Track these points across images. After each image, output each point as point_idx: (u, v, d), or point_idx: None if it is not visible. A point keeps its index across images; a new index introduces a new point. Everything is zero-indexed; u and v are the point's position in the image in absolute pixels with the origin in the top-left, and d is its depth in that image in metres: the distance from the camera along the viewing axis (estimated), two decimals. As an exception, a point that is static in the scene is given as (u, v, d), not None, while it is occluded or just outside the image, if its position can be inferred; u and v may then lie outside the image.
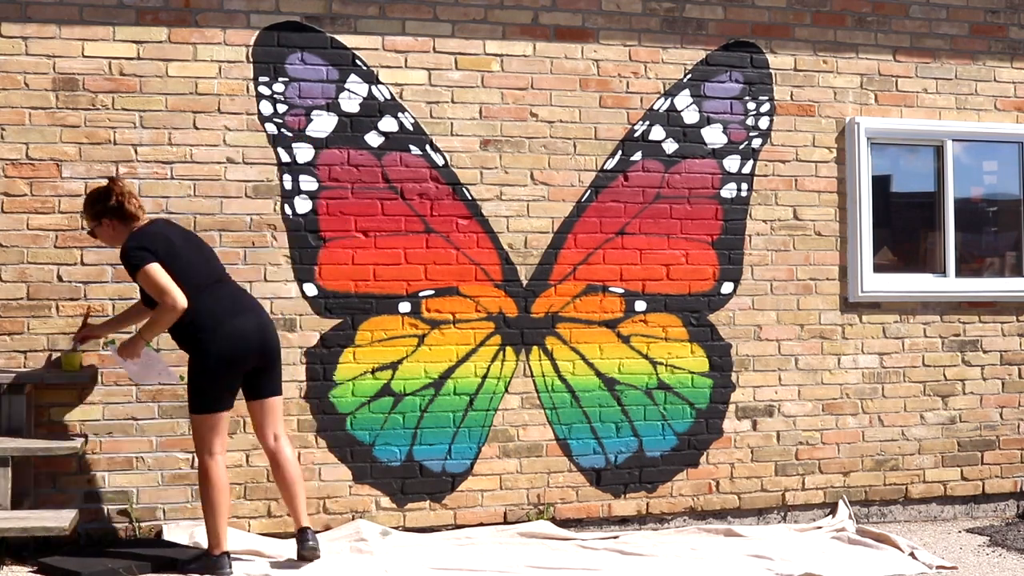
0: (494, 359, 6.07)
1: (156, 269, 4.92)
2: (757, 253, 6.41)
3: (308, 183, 5.84)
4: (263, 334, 5.10)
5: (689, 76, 6.33)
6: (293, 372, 5.80)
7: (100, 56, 5.60)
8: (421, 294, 5.97)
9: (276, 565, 5.25)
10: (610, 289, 6.21)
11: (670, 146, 6.30)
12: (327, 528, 5.80)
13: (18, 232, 5.52)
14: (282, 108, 5.81)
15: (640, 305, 6.25)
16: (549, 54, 6.15)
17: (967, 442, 6.73)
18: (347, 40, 5.88)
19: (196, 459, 5.14)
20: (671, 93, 6.31)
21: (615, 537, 5.94)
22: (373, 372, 5.91)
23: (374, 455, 5.92)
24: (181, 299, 4.90)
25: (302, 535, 5.13)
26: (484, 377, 6.05)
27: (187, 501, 5.66)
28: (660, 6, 6.30)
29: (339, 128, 5.88)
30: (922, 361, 6.67)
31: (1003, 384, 6.81)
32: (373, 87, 5.91)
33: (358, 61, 5.90)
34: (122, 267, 5.59)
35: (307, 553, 5.10)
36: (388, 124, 5.94)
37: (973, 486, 6.73)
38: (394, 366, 5.94)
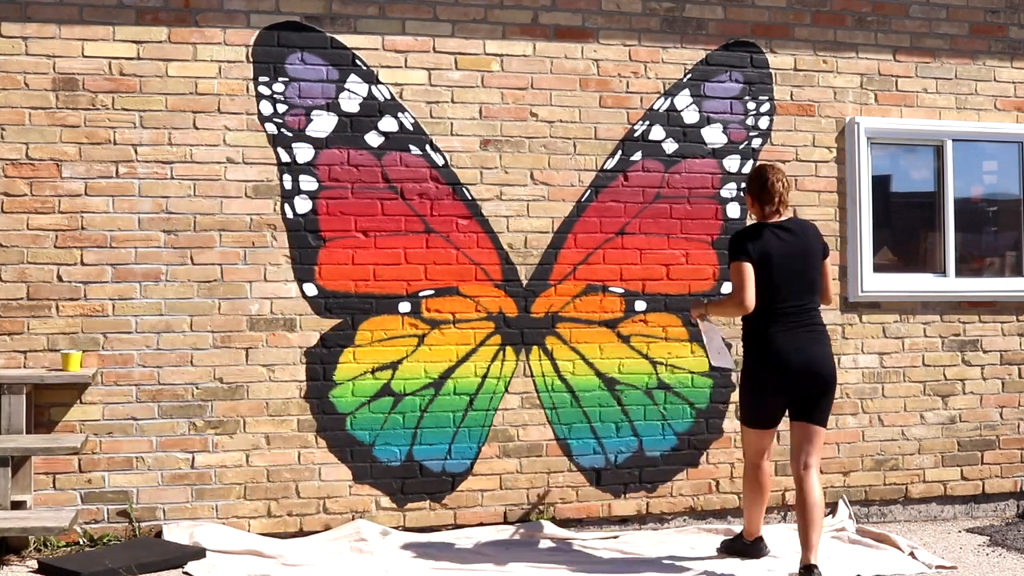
0: (494, 359, 6.07)
1: (744, 268, 5.05)
2: (757, 253, 6.40)
3: (308, 183, 5.84)
4: (811, 368, 5.07)
5: (689, 76, 6.33)
6: (293, 372, 5.80)
7: (100, 56, 5.60)
8: (421, 294, 5.97)
9: (276, 565, 5.25)
10: (610, 289, 6.21)
11: (670, 146, 6.30)
12: (327, 528, 5.80)
13: (18, 232, 5.52)
14: (282, 108, 5.81)
15: (640, 305, 6.25)
16: (549, 54, 6.15)
17: (967, 442, 6.73)
18: (347, 40, 5.88)
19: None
20: (671, 93, 6.31)
21: (615, 537, 5.94)
22: (373, 372, 5.91)
23: (374, 455, 5.92)
24: (748, 300, 5.02)
25: (807, 571, 4.97)
26: (484, 377, 6.05)
27: (187, 501, 5.66)
28: (660, 6, 6.30)
29: (339, 128, 5.88)
30: (922, 361, 6.67)
31: (1003, 384, 6.81)
32: (373, 87, 5.91)
33: (358, 61, 5.90)
34: (122, 267, 5.61)
35: None
36: (388, 124, 5.94)
37: (973, 486, 6.73)
38: (394, 366, 5.94)
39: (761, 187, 5.19)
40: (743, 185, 6.36)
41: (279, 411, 5.79)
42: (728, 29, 6.40)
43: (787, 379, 5.06)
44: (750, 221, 6.35)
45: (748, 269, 5.03)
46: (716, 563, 5.50)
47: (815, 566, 4.96)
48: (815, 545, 5.00)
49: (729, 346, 5.91)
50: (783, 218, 5.22)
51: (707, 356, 5.77)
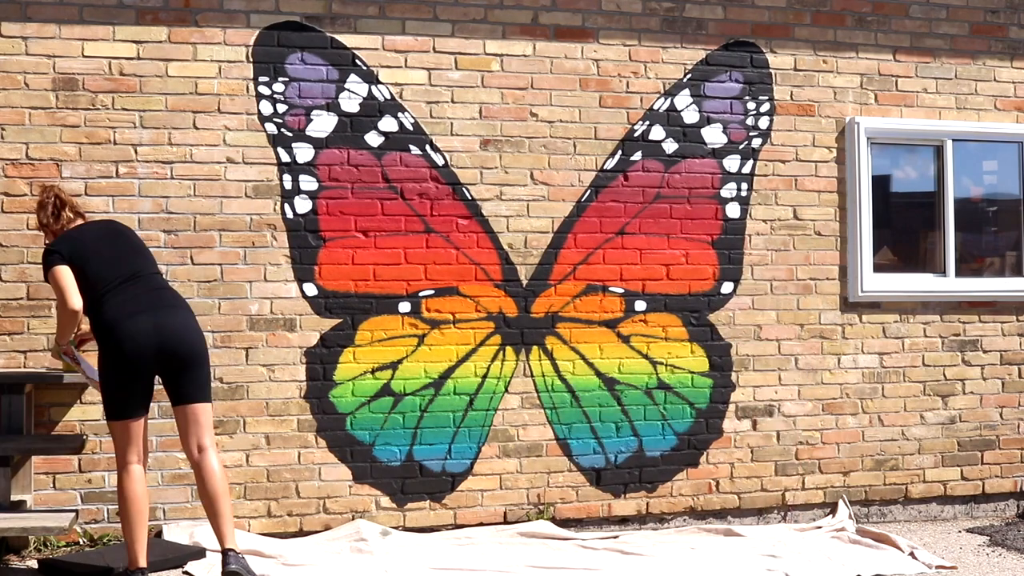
0: (494, 359, 6.07)
1: (58, 272, 4.71)
2: (757, 253, 6.41)
3: (308, 183, 5.84)
4: (161, 336, 4.65)
5: (689, 76, 6.33)
6: (293, 372, 5.80)
7: (100, 56, 5.60)
8: (421, 294, 5.97)
9: (276, 565, 5.25)
10: (610, 289, 6.21)
11: (670, 146, 6.30)
12: (327, 528, 5.80)
13: (18, 232, 5.52)
14: (282, 108, 5.81)
15: (640, 305, 6.25)
16: (549, 54, 6.15)
17: (967, 442, 6.73)
18: (347, 40, 5.88)
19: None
20: (671, 93, 6.31)
21: (615, 537, 5.94)
22: (373, 372, 5.91)
23: (374, 455, 5.92)
24: (72, 301, 4.68)
25: (225, 557, 4.59)
26: (484, 377, 6.05)
27: (187, 501, 5.66)
28: (660, 6, 6.30)
29: (339, 128, 5.88)
30: (922, 361, 6.67)
31: (1003, 384, 6.81)
32: (373, 87, 5.92)
33: (358, 61, 5.90)
34: (122, 267, 5.59)
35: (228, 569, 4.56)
36: (388, 124, 5.94)
37: (973, 486, 6.73)
38: (394, 366, 5.94)
39: (48, 214, 4.94)
40: (744, 184, 6.37)
41: (279, 411, 5.79)
42: (728, 29, 6.40)
43: (135, 357, 4.61)
44: (751, 223, 6.37)
45: (64, 271, 4.70)
46: (716, 563, 5.49)
47: (231, 549, 4.59)
48: (228, 534, 4.65)
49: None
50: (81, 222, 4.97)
51: (88, 381, 5.15)
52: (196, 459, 4.74)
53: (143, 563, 4.66)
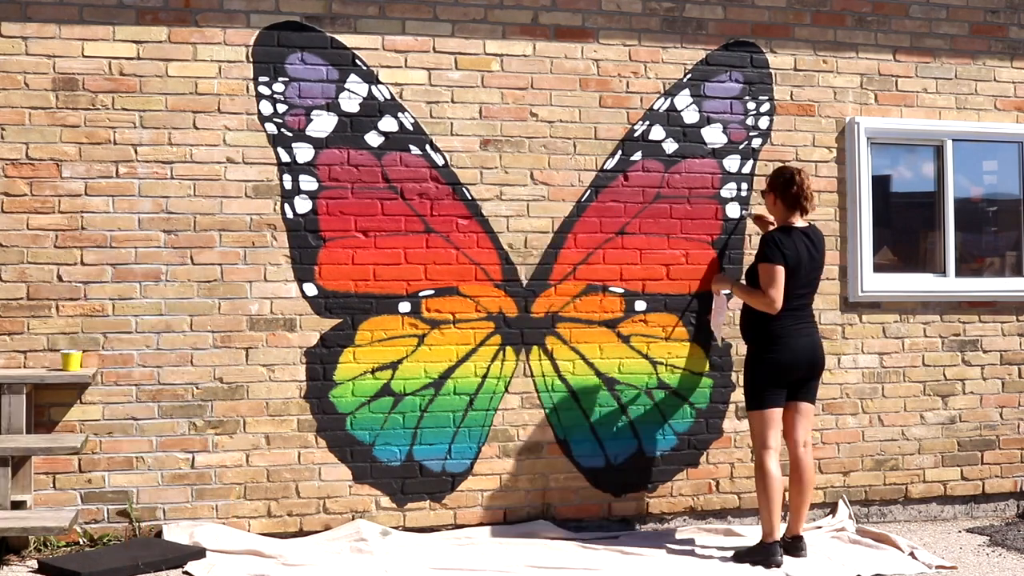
0: (494, 359, 6.07)
1: (779, 272, 5.47)
2: (757, 253, 6.40)
3: (308, 183, 5.84)
4: (813, 350, 5.62)
5: (689, 76, 6.33)
6: (293, 372, 5.80)
7: (100, 56, 5.60)
8: (421, 294, 5.97)
9: (276, 565, 5.25)
10: (610, 289, 6.21)
11: (670, 146, 6.30)
12: (327, 528, 5.80)
13: (18, 232, 5.52)
14: (282, 108, 5.81)
15: (640, 305, 6.25)
16: (549, 54, 6.15)
17: (967, 442, 6.73)
18: (347, 40, 5.88)
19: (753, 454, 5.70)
20: (671, 93, 6.31)
21: (615, 537, 5.94)
22: (373, 372, 5.91)
23: (374, 455, 5.92)
24: (779, 304, 5.46)
25: (796, 542, 5.62)
26: (484, 377, 6.05)
27: (187, 501, 5.66)
28: (660, 6, 6.30)
29: (339, 128, 5.88)
30: (922, 361, 6.67)
31: (1003, 384, 6.81)
32: (373, 87, 5.91)
33: (358, 61, 5.90)
34: (122, 267, 5.62)
35: (795, 555, 5.57)
36: (388, 124, 5.94)
37: (973, 486, 6.73)
38: (394, 366, 5.94)
39: (787, 187, 5.61)
40: (744, 184, 6.37)
41: (279, 411, 5.79)
42: (728, 29, 6.40)
43: (794, 365, 5.54)
44: (751, 223, 6.36)
45: (781, 273, 5.46)
46: (716, 562, 5.49)
47: (802, 537, 5.63)
48: (803, 521, 5.65)
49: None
50: (804, 224, 5.65)
51: (710, 325, 6.19)
52: (799, 454, 5.63)
53: (777, 536, 5.53)
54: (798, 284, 5.53)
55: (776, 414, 5.56)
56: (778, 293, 5.45)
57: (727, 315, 6.11)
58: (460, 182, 6.02)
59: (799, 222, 5.63)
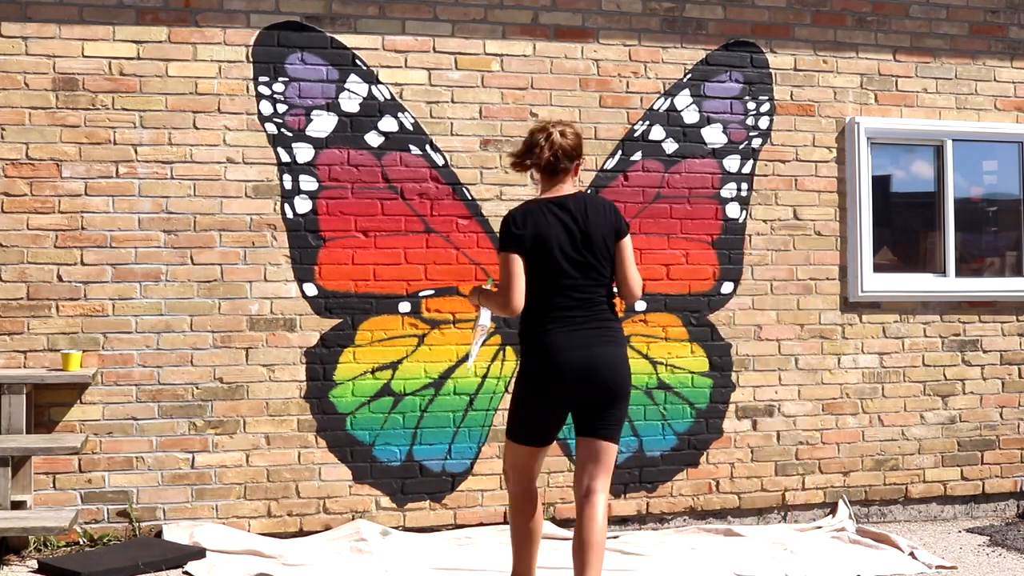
0: (494, 359, 6.07)
1: (513, 261, 4.15)
2: (757, 253, 6.41)
3: (308, 183, 5.84)
4: (592, 364, 4.15)
5: (689, 76, 6.33)
6: (293, 372, 5.80)
7: (100, 56, 5.60)
8: (421, 294, 5.97)
9: (276, 565, 5.25)
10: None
11: (670, 146, 6.30)
12: (327, 528, 5.80)
13: (18, 232, 5.52)
14: (282, 108, 5.81)
15: (640, 305, 6.25)
16: (549, 54, 6.15)
17: (967, 442, 6.73)
18: (347, 40, 5.88)
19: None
20: (671, 93, 6.31)
21: (615, 537, 5.94)
22: (373, 372, 5.91)
23: (374, 455, 5.92)
24: (517, 302, 4.15)
25: None
26: (484, 377, 6.05)
27: (187, 501, 5.66)
28: (660, 6, 6.30)
29: (339, 128, 5.88)
30: (922, 361, 6.67)
31: (1003, 384, 6.81)
32: (373, 87, 5.91)
33: (358, 61, 5.90)
34: (122, 267, 5.61)
35: None
36: (388, 124, 5.94)
37: (973, 486, 6.73)
38: (394, 366, 5.94)
39: (529, 151, 4.25)
40: (744, 184, 6.37)
41: (279, 411, 5.79)
42: (728, 29, 6.40)
43: (558, 385, 4.10)
44: (751, 223, 6.37)
45: (516, 263, 4.11)
46: (715, 563, 5.49)
47: None
48: None
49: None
50: (563, 193, 4.25)
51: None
52: (580, 503, 4.17)
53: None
54: (556, 271, 4.12)
55: (523, 453, 4.23)
56: (511, 290, 4.08)
57: (486, 329, 4.46)
58: (460, 182, 6.02)
59: (566, 188, 4.26)
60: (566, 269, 4.13)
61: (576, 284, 4.15)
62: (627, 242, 4.28)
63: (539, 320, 4.14)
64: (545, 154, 4.21)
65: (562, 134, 4.23)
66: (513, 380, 4.46)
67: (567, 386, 4.10)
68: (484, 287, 4.43)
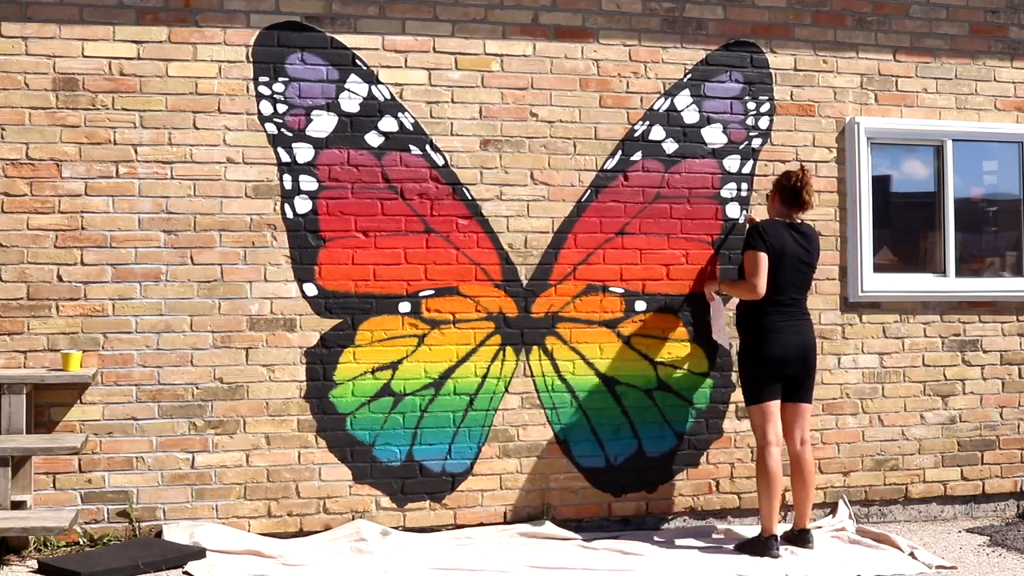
0: (494, 359, 6.07)
1: (761, 258, 5.64)
2: (757, 253, 6.40)
3: (308, 183, 5.84)
4: (804, 349, 5.76)
5: (689, 76, 6.33)
6: (293, 372, 5.80)
7: (100, 56, 5.60)
8: (421, 294, 5.97)
9: (276, 565, 5.25)
10: (610, 289, 6.21)
11: (670, 146, 6.30)
12: (327, 528, 5.80)
13: (18, 232, 5.52)
14: (282, 108, 5.81)
15: (640, 305, 6.25)
16: (549, 54, 6.15)
17: (967, 442, 6.73)
18: (347, 40, 5.88)
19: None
20: (671, 93, 6.31)
21: (615, 537, 5.94)
22: (373, 372, 5.91)
23: (374, 455, 5.92)
24: (762, 288, 5.63)
25: (803, 535, 5.76)
26: (484, 377, 6.05)
27: (187, 501, 5.66)
28: (660, 6, 6.30)
29: (339, 128, 5.88)
30: (922, 361, 6.67)
31: (1003, 384, 6.81)
32: (373, 87, 5.91)
33: (358, 61, 5.90)
34: (122, 267, 5.62)
35: (803, 546, 5.73)
36: (388, 124, 5.94)
37: (973, 486, 6.73)
38: (394, 366, 5.94)
39: (791, 192, 5.80)
40: (744, 184, 6.37)
41: (279, 411, 5.79)
42: (728, 29, 6.40)
43: (783, 360, 5.68)
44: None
45: (763, 259, 5.63)
46: (716, 563, 5.49)
47: (808, 530, 5.77)
48: (808, 515, 5.80)
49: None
50: (798, 220, 5.82)
51: (711, 331, 6.24)
52: (798, 451, 5.78)
53: (775, 531, 5.66)
54: (785, 276, 5.69)
55: (772, 407, 5.71)
56: (759, 279, 5.62)
57: (726, 316, 6.17)
58: (460, 182, 6.02)
59: (794, 220, 5.82)
60: (789, 276, 5.73)
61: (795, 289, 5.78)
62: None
63: (773, 315, 5.72)
64: (804, 184, 5.82)
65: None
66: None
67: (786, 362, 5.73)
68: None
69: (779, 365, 5.68)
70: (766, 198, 6.10)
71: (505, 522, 6.04)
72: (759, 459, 5.72)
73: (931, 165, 6.81)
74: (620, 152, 6.23)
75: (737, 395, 6.36)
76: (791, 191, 5.79)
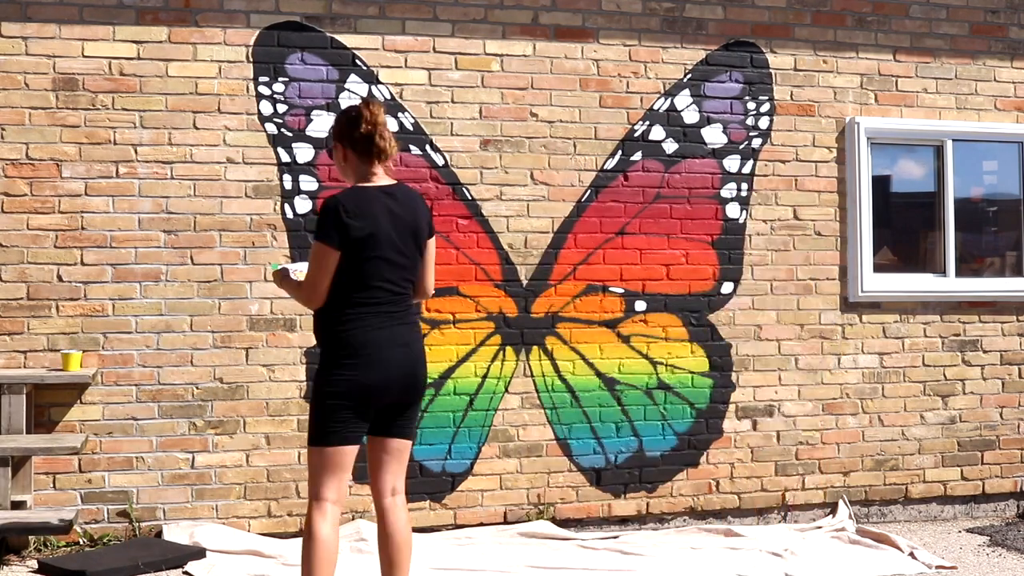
0: (494, 359, 6.07)
1: (327, 255, 3.87)
2: (757, 253, 6.41)
3: (308, 183, 5.84)
4: (412, 368, 4.04)
5: (689, 76, 6.33)
6: (293, 372, 5.80)
7: (100, 56, 5.60)
8: (421, 294, 5.96)
9: (276, 565, 5.25)
10: (610, 289, 6.21)
11: (670, 146, 6.30)
12: (327, 528, 5.80)
13: (18, 232, 5.52)
14: (282, 108, 5.81)
15: (640, 305, 6.25)
16: (549, 54, 6.15)
17: (967, 442, 6.73)
18: (347, 40, 5.88)
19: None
20: (671, 93, 6.31)
21: (615, 537, 5.94)
22: (373, 372, 5.90)
23: (374, 455, 5.90)
24: (320, 297, 3.95)
25: None
26: (484, 377, 6.05)
27: (187, 501, 5.66)
28: (660, 6, 6.30)
29: (339, 128, 5.87)
30: (922, 361, 6.67)
31: (1003, 384, 6.81)
32: (373, 87, 5.91)
33: (358, 61, 5.90)
34: (122, 267, 5.61)
35: None
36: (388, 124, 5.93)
37: (973, 486, 6.73)
38: (394, 366, 5.93)
39: (353, 127, 3.95)
40: (744, 184, 6.37)
41: (279, 411, 5.78)
42: (728, 29, 6.40)
43: (381, 386, 3.91)
44: (751, 223, 6.36)
45: (327, 255, 3.83)
46: (715, 563, 5.49)
47: None
48: None
49: None
50: (388, 181, 4.00)
51: None
52: (383, 505, 4.13)
53: None
54: (375, 266, 3.86)
55: (343, 454, 3.90)
56: (317, 285, 3.87)
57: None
58: (460, 182, 6.02)
59: (381, 179, 3.98)
60: (385, 265, 3.91)
61: (396, 280, 3.96)
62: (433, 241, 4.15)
63: (364, 319, 3.94)
64: (378, 128, 3.97)
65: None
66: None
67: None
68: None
69: (369, 394, 3.87)
70: (330, 154, 4.51)
71: (505, 522, 6.04)
72: (305, 522, 3.91)
73: (931, 165, 6.81)
74: (620, 152, 6.23)
75: (737, 395, 6.36)
76: (362, 138, 3.93)
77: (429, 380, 5.98)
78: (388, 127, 4.02)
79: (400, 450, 4.10)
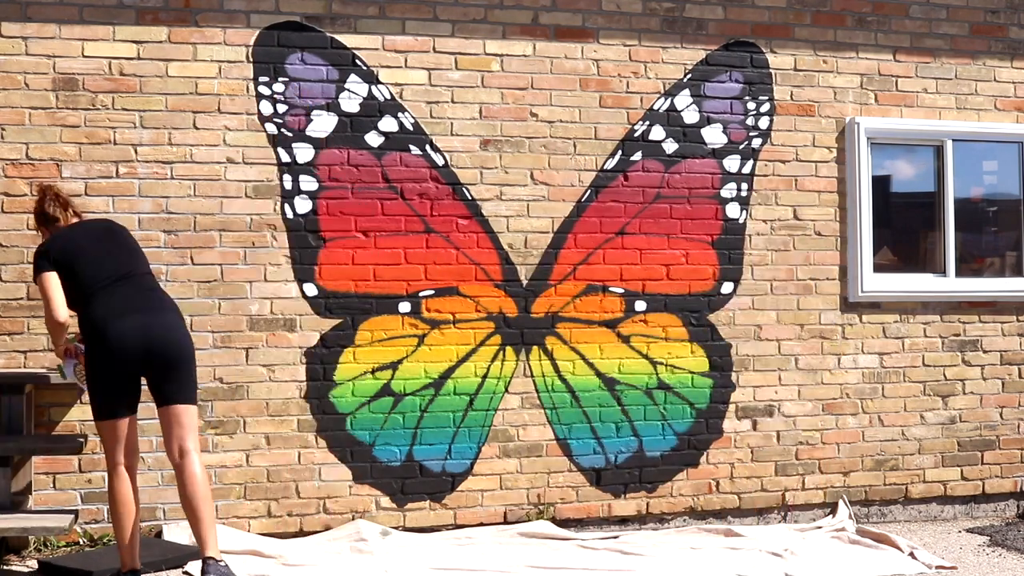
0: (494, 359, 6.07)
1: (45, 279, 4.69)
2: (757, 253, 6.41)
3: (308, 183, 5.84)
4: (147, 337, 4.62)
5: (689, 76, 6.33)
6: (293, 372, 5.80)
7: (100, 56, 5.60)
8: (421, 294, 5.97)
9: (276, 565, 5.25)
10: (610, 289, 6.21)
11: (670, 146, 6.30)
12: (327, 528, 5.80)
13: (18, 232, 5.52)
14: (282, 108, 5.81)
15: (640, 305, 6.25)
16: (549, 54, 6.15)
17: (967, 442, 6.73)
18: (347, 40, 5.88)
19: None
20: (671, 93, 6.31)
21: (615, 537, 5.94)
22: (373, 372, 5.91)
23: (374, 455, 5.92)
24: (58, 312, 4.66)
25: (204, 565, 4.51)
26: (484, 377, 6.05)
27: (187, 501, 5.65)
28: (660, 6, 6.30)
29: (339, 128, 5.88)
30: (922, 361, 6.67)
31: (1003, 384, 6.81)
32: (373, 87, 5.92)
33: (358, 61, 5.90)
34: (122, 267, 5.60)
35: None
36: (388, 124, 5.94)
37: (973, 486, 6.73)
38: (394, 366, 5.94)
39: (44, 218, 4.93)
40: (744, 184, 6.37)
41: (279, 411, 5.79)
42: (728, 29, 6.40)
43: (118, 355, 4.59)
44: (751, 223, 6.36)
45: (51, 279, 4.68)
46: (715, 563, 5.49)
47: (212, 558, 4.51)
48: (210, 540, 4.55)
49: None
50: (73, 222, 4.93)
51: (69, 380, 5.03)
52: (178, 463, 4.65)
53: (136, 565, 4.71)
54: (93, 265, 4.70)
55: (116, 426, 4.62)
56: (52, 303, 4.65)
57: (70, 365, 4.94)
58: (460, 182, 6.02)
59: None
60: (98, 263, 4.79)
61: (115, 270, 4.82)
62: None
63: (95, 306, 4.75)
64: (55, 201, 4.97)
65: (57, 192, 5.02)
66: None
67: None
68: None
69: (114, 364, 4.58)
70: (42, 235, 4.99)
71: (505, 522, 6.05)
72: (108, 487, 4.70)
73: (931, 165, 6.81)
74: (620, 152, 6.23)
75: (737, 395, 6.36)
76: (45, 217, 4.91)
77: (429, 380, 5.99)
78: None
79: (177, 414, 4.68)
